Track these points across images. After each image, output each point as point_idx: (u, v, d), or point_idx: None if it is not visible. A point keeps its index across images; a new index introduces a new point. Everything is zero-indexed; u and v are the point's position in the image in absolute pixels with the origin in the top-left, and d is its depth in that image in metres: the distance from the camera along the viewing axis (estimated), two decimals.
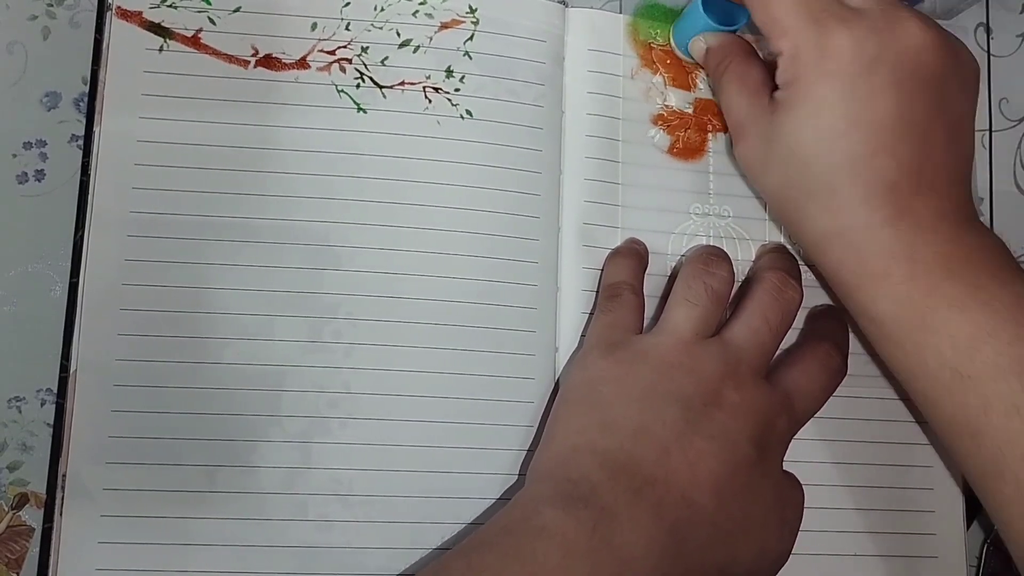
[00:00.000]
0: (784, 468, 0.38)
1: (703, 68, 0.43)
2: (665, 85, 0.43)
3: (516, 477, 0.39)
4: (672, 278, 0.41)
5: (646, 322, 0.40)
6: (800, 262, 0.42)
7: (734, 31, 0.42)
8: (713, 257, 0.39)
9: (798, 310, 0.39)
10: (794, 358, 0.39)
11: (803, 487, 0.38)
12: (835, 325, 0.41)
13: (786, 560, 0.37)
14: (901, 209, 0.36)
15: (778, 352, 0.39)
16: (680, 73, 0.43)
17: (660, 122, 0.43)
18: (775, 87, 0.38)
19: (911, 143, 0.36)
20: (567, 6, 0.43)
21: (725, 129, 0.43)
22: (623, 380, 0.37)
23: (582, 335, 0.40)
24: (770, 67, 0.39)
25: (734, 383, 0.36)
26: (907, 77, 0.36)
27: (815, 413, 0.39)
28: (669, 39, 0.44)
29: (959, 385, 0.35)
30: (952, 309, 0.35)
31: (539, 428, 0.39)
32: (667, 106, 0.43)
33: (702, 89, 0.43)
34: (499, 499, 0.39)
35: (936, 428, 0.37)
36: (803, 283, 0.40)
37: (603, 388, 0.37)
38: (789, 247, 0.42)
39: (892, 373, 0.39)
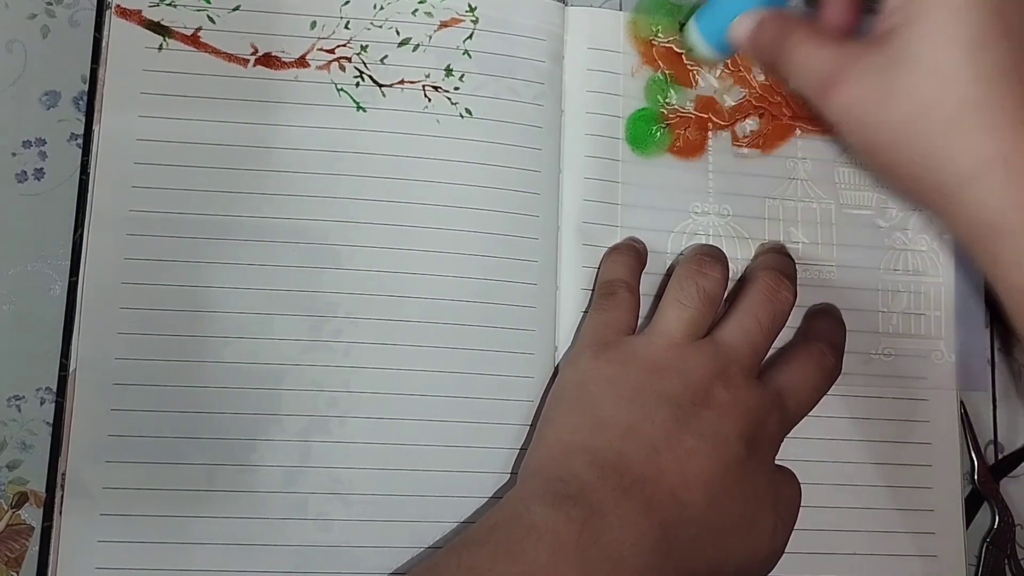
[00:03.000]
0: (781, 465, 0.38)
1: (748, 49, 0.40)
2: (666, 83, 0.43)
3: (510, 476, 0.39)
4: (669, 276, 0.41)
5: (642, 320, 0.40)
6: (796, 260, 0.41)
7: (781, 7, 0.39)
8: (707, 258, 0.39)
9: (791, 310, 0.39)
10: (787, 357, 0.39)
11: (800, 484, 0.38)
12: (831, 324, 0.41)
13: (779, 557, 0.37)
14: None
15: (773, 351, 0.39)
16: (681, 70, 0.43)
17: (660, 120, 0.43)
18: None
19: None
20: (567, 4, 0.43)
21: (724, 127, 0.43)
22: (614, 380, 0.37)
23: (576, 332, 0.40)
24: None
25: (724, 383, 0.36)
26: None
27: (808, 412, 0.39)
28: (678, 34, 0.43)
29: None
30: None
31: (533, 427, 0.39)
32: (667, 104, 0.43)
33: (703, 87, 0.43)
34: (498, 498, 0.39)
35: None
36: (799, 282, 0.40)
37: (594, 388, 0.37)
38: (788, 246, 0.42)
39: None
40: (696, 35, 0.42)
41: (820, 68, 0.36)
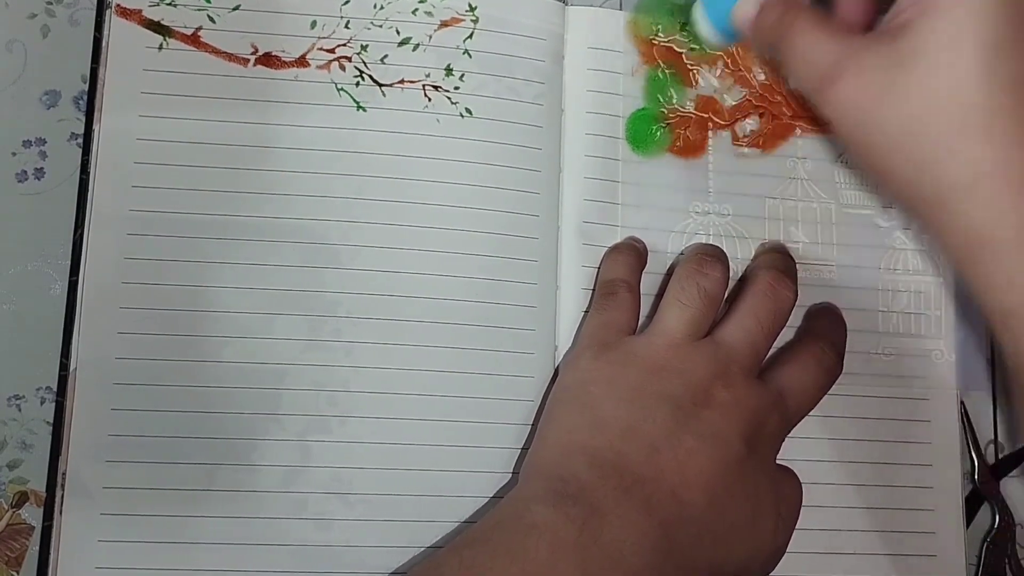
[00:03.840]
0: (782, 464, 0.38)
1: (749, 35, 0.38)
2: (666, 82, 0.43)
3: (511, 476, 0.39)
4: (669, 276, 0.41)
5: (643, 319, 0.40)
6: (796, 260, 0.41)
7: None
8: (707, 258, 0.39)
9: (792, 310, 0.39)
10: (788, 356, 0.39)
11: (801, 483, 0.38)
12: (831, 323, 0.41)
13: (781, 556, 0.37)
14: None
15: (774, 350, 0.39)
16: (682, 70, 0.43)
17: (660, 120, 0.43)
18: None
19: None
20: (567, 4, 0.43)
21: (724, 127, 0.43)
22: (614, 381, 0.37)
23: (577, 332, 0.40)
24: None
25: (724, 383, 0.36)
26: None
27: (809, 411, 0.39)
28: (679, 32, 0.43)
29: None
30: None
31: (534, 427, 0.39)
32: (668, 104, 0.43)
33: (703, 86, 0.43)
34: (499, 497, 0.39)
35: None
36: (800, 282, 0.40)
37: (594, 388, 0.37)
38: (788, 245, 0.42)
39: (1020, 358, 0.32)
40: (702, 19, 0.40)
41: (821, 60, 0.34)
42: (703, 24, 0.40)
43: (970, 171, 0.30)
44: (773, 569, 0.37)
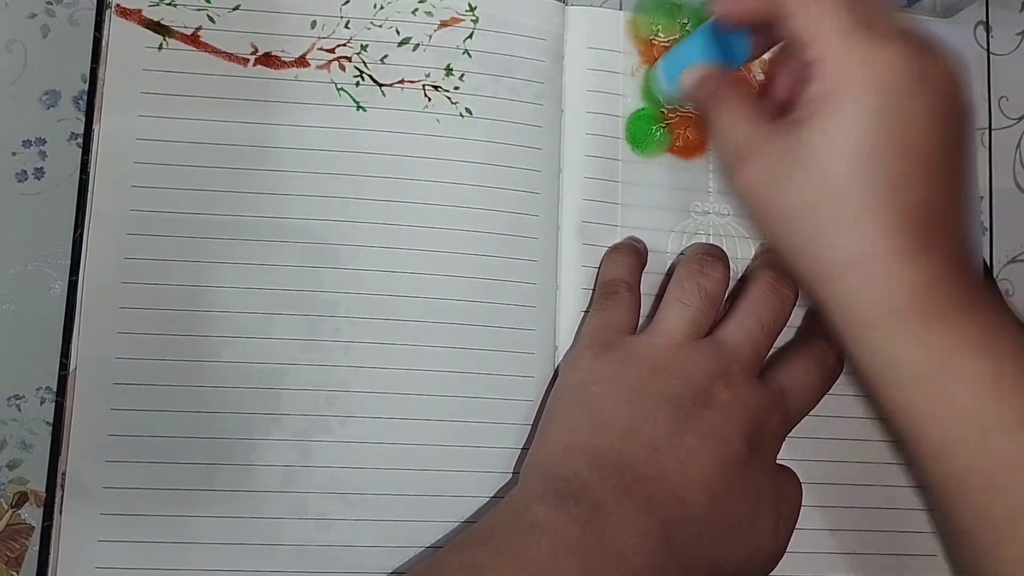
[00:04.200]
0: (783, 464, 0.38)
1: (689, 99, 0.41)
2: None
3: (511, 475, 0.39)
4: (669, 276, 0.41)
5: (643, 319, 0.40)
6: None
7: (735, 67, 0.40)
8: (708, 258, 0.39)
9: (792, 309, 0.39)
10: (788, 356, 0.39)
11: (801, 482, 0.39)
12: None
13: (782, 555, 0.37)
14: (926, 243, 0.33)
15: (774, 350, 0.39)
16: None
17: (660, 120, 0.43)
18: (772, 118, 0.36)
19: (940, 175, 0.34)
20: (567, 4, 0.43)
21: None
22: (615, 380, 0.37)
23: (577, 332, 0.40)
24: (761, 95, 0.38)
25: (725, 382, 0.37)
26: (943, 106, 0.34)
27: (810, 410, 0.39)
28: (678, 34, 0.43)
29: (979, 436, 0.33)
30: (975, 354, 0.33)
31: (534, 426, 0.39)
32: (667, 104, 0.43)
33: None
34: (499, 497, 0.39)
35: (939, 481, 0.34)
36: None
37: (595, 388, 0.37)
38: None
39: (895, 420, 0.35)
40: (660, 73, 0.42)
41: (735, 140, 0.37)
42: (660, 78, 0.41)
43: (841, 257, 0.34)
44: (774, 568, 0.37)
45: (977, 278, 0.34)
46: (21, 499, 0.38)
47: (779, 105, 0.38)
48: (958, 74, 0.34)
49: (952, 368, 0.33)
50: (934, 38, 0.34)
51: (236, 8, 0.41)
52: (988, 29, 0.46)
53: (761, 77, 0.43)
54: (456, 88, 0.41)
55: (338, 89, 0.41)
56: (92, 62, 0.40)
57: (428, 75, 0.41)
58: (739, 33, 0.39)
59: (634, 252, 0.41)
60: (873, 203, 0.33)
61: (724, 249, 0.41)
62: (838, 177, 0.33)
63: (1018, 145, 0.46)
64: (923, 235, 0.33)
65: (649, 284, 0.41)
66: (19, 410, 0.38)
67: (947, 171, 0.34)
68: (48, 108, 0.40)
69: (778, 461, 0.38)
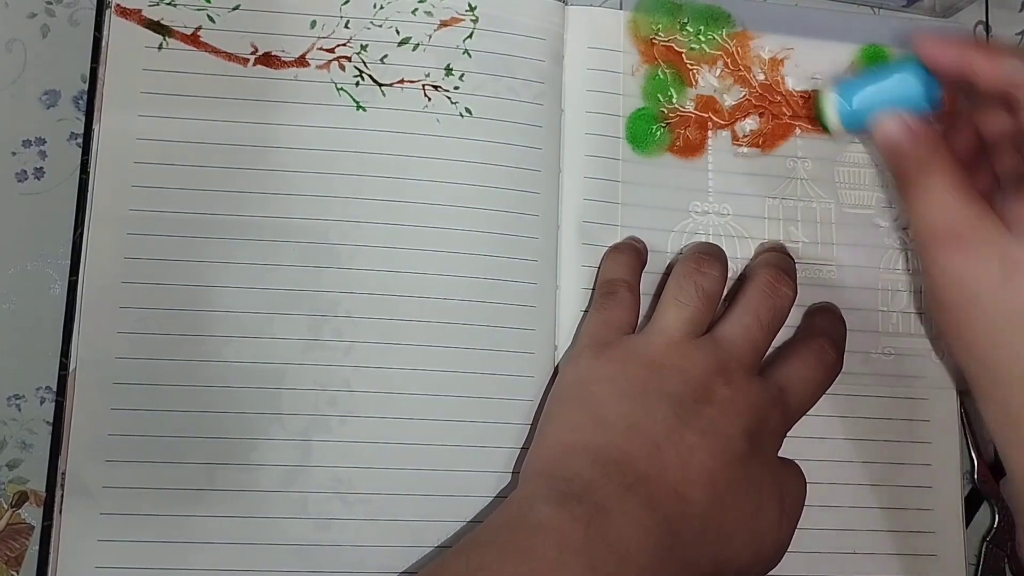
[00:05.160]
0: (785, 458, 0.38)
1: (885, 150, 0.39)
2: (666, 82, 0.43)
3: (511, 475, 0.39)
4: (669, 275, 0.40)
5: (642, 319, 0.40)
6: (795, 259, 0.41)
7: (931, 112, 0.38)
8: (705, 256, 0.39)
9: (791, 307, 0.39)
10: (788, 353, 0.40)
11: (804, 476, 0.39)
12: (831, 320, 0.41)
13: (785, 550, 0.37)
14: None
15: (773, 348, 0.39)
16: (682, 69, 0.43)
17: (660, 119, 0.43)
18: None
19: None
20: (567, 3, 0.43)
21: (724, 127, 0.43)
22: (615, 379, 0.37)
23: (577, 331, 0.40)
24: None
25: (724, 379, 0.37)
26: None
27: (810, 407, 0.39)
28: (678, 34, 0.43)
29: None
30: None
31: (534, 426, 0.39)
32: (668, 103, 0.43)
33: (703, 86, 0.43)
34: (499, 497, 0.39)
35: None
36: (799, 282, 0.40)
37: (595, 387, 0.37)
38: (787, 245, 0.42)
39: None
40: (832, 106, 0.40)
41: (945, 219, 0.35)
42: (831, 109, 0.40)
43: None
44: (778, 563, 0.37)
45: None
46: (21, 499, 0.38)
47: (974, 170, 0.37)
48: None
49: None
50: None
51: (236, 8, 0.41)
52: (988, 29, 0.46)
53: (762, 77, 0.43)
54: (456, 88, 0.41)
55: (338, 89, 0.41)
56: (92, 62, 0.40)
57: (428, 75, 0.41)
58: (931, 80, 0.37)
59: (634, 252, 0.41)
60: None
61: (723, 248, 0.41)
62: None
63: None
64: None
65: (649, 284, 0.41)
66: (19, 410, 0.38)
67: None
68: (48, 108, 0.40)
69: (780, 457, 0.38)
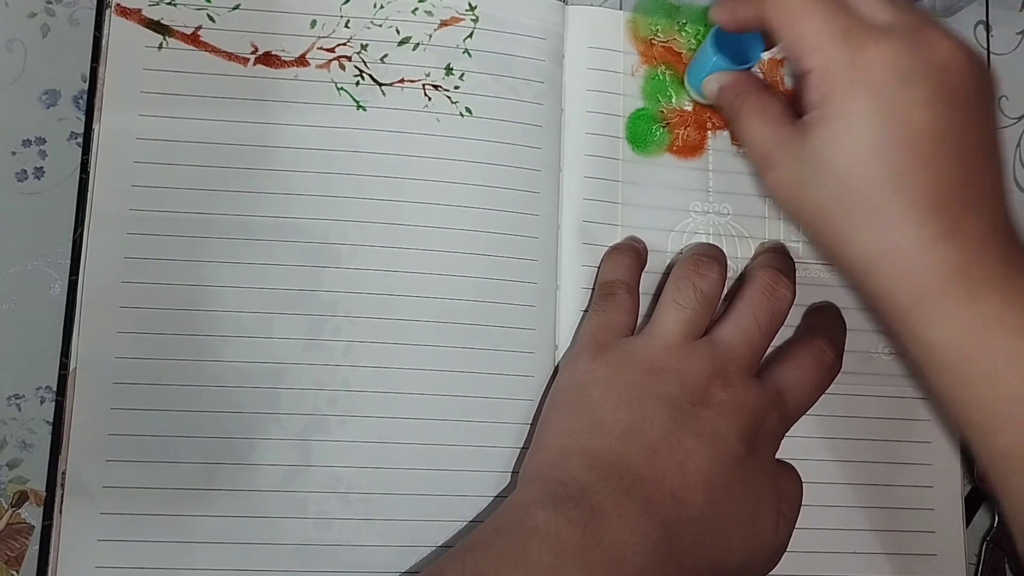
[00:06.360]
0: (782, 460, 0.38)
1: (718, 108, 0.42)
2: (666, 82, 0.43)
3: (511, 475, 0.39)
4: (669, 275, 0.40)
5: (642, 320, 0.40)
6: (795, 260, 0.41)
7: (748, 68, 0.41)
8: (703, 258, 0.39)
9: (790, 309, 0.39)
10: (787, 354, 0.40)
11: (801, 478, 0.39)
12: (830, 321, 0.41)
13: (782, 553, 0.37)
14: (952, 225, 0.33)
15: (772, 348, 0.39)
16: (681, 69, 0.43)
17: (660, 119, 0.43)
18: (797, 116, 0.37)
19: (952, 158, 0.34)
20: (567, 3, 0.43)
21: (726, 127, 0.43)
22: (612, 382, 0.37)
23: (576, 332, 0.40)
24: (787, 97, 0.39)
25: (722, 382, 0.37)
26: (942, 92, 0.34)
27: (808, 408, 0.39)
28: (677, 34, 0.43)
29: (1022, 413, 0.33)
30: (1016, 333, 0.33)
31: (534, 426, 0.39)
32: (667, 103, 0.43)
33: None
34: (499, 497, 0.39)
35: (988, 458, 0.35)
36: (799, 281, 0.40)
37: (592, 390, 0.37)
38: (787, 245, 0.42)
39: (942, 402, 0.36)
40: (688, 83, 0.43)
41: (760, 146, 0.38)
42: (689, 88, 0.43)
43: (871, 252, 0.35)
44: (775, 566, 0.37)
45: (1020, 253, 0.34)
46: (21, 498, 0.38)
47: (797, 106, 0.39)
48: (959, 55, 0.35)
49: (993, 348, 0.33)
50: (930, 23, 0.35)
51: (236, 7, 0.41)
52: (988, 29, 0.46)
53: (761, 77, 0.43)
54: (456, 87, 0.41)
55: (338, 88, 0.41)
56: (92, 61, 0.40)
57: (428, 74, 0.41)
58: (744, 38, 0.40)
59: (633, 252, 0.41)
60: (889, 197, 0.34)
61: (723, 249, 0.41)
62: (852, 179, 0.34)
63: (1018, 144, 0.46)
64: (948, 218, 0.34)
65: (649, 284, 0.41)
66: (19, 409, 0.38)
67: (963, 152, 0.34)
68: (48, 107, 0.40)
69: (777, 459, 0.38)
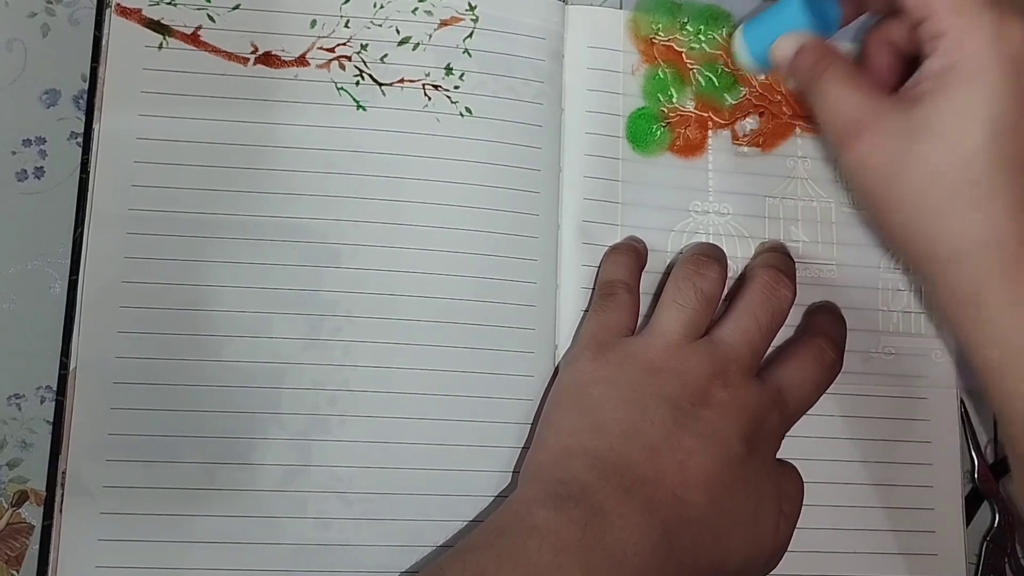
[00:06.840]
0: (783, 459, 0.38)
1: (787, 71, 0.39)
2: (666, 81, 0.43)
3: (511, 475, 0.39)
4: (669, 275, 0.40)
5: (643, 318, 0.40)
6: (795, 259, 0.41)
7: (828, 36, 0.39)
8: (703, 258, 0.39)
9: (790, 309, 0.39)
10: (787, 353, 0.39)
11: (802, 477, 0.39)
12: (831, 320, 0.41)
13: (784, 552, 0.37)
14: None
15: (773, 348, 0.39)
16: (682, 69, 0.43)
17: (660, 119, 0.43)
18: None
19: None
20: (567, 3, 0.43)
21: (724, 126, 0.43)
22: (613, 382, 0.37)
23: (576, 331, 0.40)
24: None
25: (722, 382, 0.37)
26: None
27: (809, 408, 0.39)
28: (679, 33, 0.43)
29: None
30: None
31: (534, 425, 0.39)
32: (667, 103, 0.43)
33: (703, 85, 0.43)
34: (499, 496, 0.39)
35: None
36: (799, 281, 0.40)
37: (593, 390, 0.37)
38: (787, 245, 0.42)
39: (1005, 410, 0.34)
40: (741, 44, 0.41)
41: (845, 114, 0.36)
42: (741, 49, 0.41)
43: (963, 241, 0.33)
44: (776, 566, 0.37)
45: None
46: (21, 498, 0.38)
47: (878, 79, 0.38)
48: None
49: None
50: None
51: (236, 7, 0.41)
52: None
53: (762, 76, 0.43)
54: (456, 87, 0.41)
55: (338, 88, 0.41)
56: (92, 61, 0.40)
57: (428, 74, 0.41)
58: (829, 1, 0.38)
59: (633, 252, 0.41)
60: (1004, 183, 0.32)
61: (723, 248, 0.41)
62: (968, 154, 0.32)
63: None
64: None
65: (649, 283, 0.41)
66: (19, 409, 0.38)
67: None
68: (48, 107, 0.40)
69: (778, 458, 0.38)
